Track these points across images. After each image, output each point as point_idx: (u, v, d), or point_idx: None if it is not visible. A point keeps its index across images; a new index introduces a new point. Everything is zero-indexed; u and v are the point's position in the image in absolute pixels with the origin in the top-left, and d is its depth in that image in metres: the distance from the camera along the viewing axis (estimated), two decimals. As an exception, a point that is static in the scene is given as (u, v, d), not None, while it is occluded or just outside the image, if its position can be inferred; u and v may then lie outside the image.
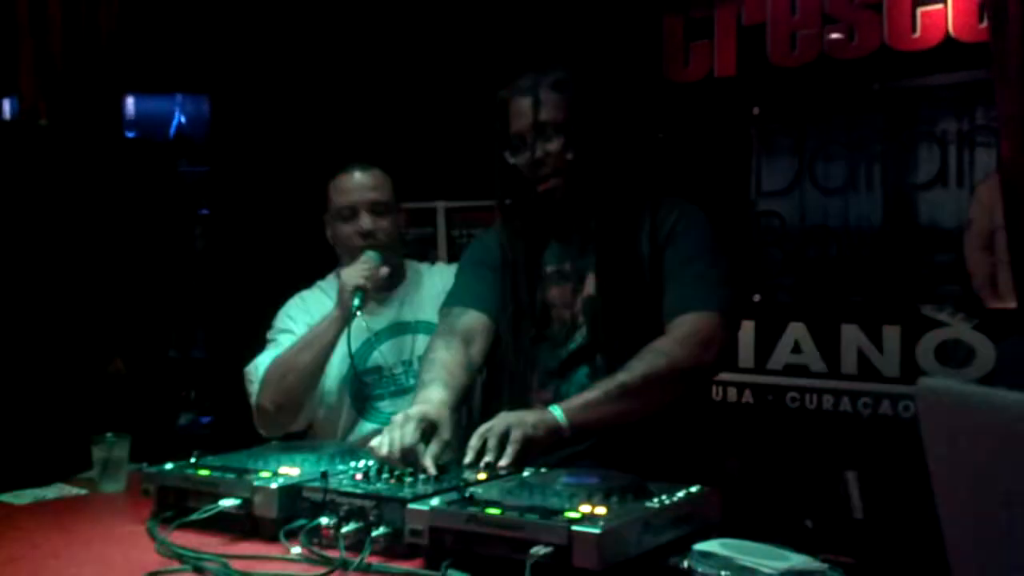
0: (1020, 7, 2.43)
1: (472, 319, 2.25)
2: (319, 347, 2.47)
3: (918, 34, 3.06)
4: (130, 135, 4.44)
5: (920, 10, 3.05)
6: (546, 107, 2.14)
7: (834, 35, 3.20)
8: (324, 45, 4.13)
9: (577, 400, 1.99)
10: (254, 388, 2.52)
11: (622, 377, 1.99)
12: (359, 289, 2.46)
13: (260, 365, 2.52)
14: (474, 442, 1.90)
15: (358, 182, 2.61)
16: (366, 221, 2.57)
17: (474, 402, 2.50)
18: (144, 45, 4.09)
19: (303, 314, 2.61)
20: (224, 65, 4.38)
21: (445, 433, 1.95)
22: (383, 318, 2.63)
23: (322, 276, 2.74)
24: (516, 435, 1.88)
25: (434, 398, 2.03)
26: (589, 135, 2.14)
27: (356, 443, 2.41)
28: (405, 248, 2.77)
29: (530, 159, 2.15)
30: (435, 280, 2.66)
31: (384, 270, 2.53)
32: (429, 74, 3.90)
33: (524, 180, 2.19)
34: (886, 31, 3.11)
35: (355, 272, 2.49)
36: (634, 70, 3.46)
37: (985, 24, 2.86)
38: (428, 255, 3.10)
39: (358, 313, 2.46)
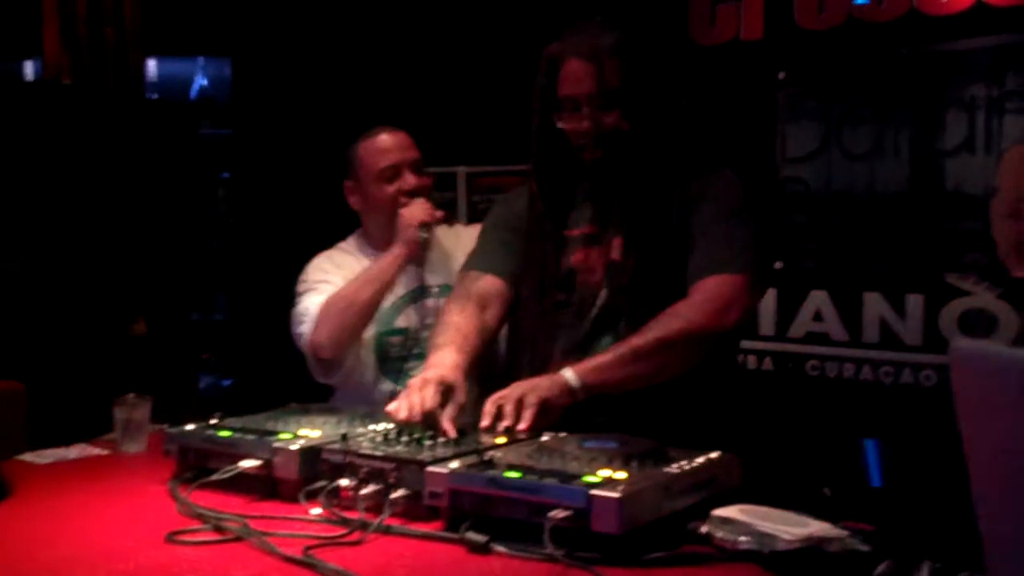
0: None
1: (488, 284, 2.23)
2: (380, 283, 2.48)
3: (948, -3, 3.01)
4: (152, 97, 4.44)
5: (950, -27, 3.00)
6: (608, 74, 2.05)
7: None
8: (345, 7, 4.11)
9: (589, 363, 1.98)
10: (305, 328, 2.51)
11: (635, 340, 1.97)
12: (424, 223, 2.49)
13: (311, 306, 2.52)
14: (489, 407, 1.90)
15: (397, 142, 2.60)
16: (411, 179, 2.57)
17: (489, 369, 2.51)
18: (166, 7, 4.08)
19: (335, 268, 2.61)
20: (246, 28, 4.37)
21: (461, 396, 1.95)
22: (408, 281, 2.62)
23: (343, 239, 2.74)
24: (531, 399, 1.88)
25: (448, 361, 2.02)
26: (644, 104, 2.08)
27: (378, 400, 2.41)
28: None
29: (587, 128, 2.07)
30: (460, 244, 2.60)
31: (440, 213, 2.56)
32: (451, 37, 3.88)
33: (565, 143, 2.14)
34: (915, -6, 3.06)
35: (417, 209, 2.51)
36: (661, 32, 3.42)
37: (1017, -13, 2.81)
38: (449, 221, 3.08)
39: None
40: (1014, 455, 0.91)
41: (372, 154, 2.60)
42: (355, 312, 2.47)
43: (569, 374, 1.94)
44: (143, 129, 3.60)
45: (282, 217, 4.28)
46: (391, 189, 2.57)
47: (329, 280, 2.56)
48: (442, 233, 2.71)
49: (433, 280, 2.63)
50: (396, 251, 2.49)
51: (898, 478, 2.96)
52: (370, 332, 2.56)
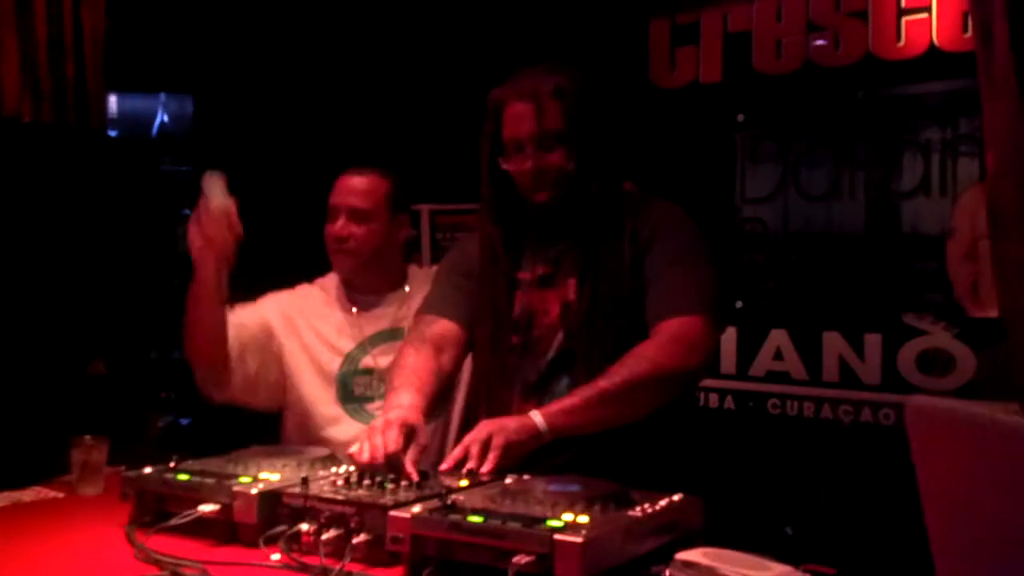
0: (1006, 17, 2.44)
1: (444, 328, 2.22)
2: (199, 298, 2.41)
3: (903, 43, 3.07)
4: (112, 134, 4.41)
5: (905, 19, 3.06)
6: (549, 115, 2.06)
7: (819, 42, 3.21)
8: (308, 45, 4.11)
9: (557, 405, 1.98)
10: None
11: (603, 383, 1.97)
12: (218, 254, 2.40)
13: None
14: (457, 452, 1.89)
15: (347, 184, 2.58)
16: (340, 226, 2.55)
17: (452, 413, 2.50)
18: (128, 43, 4.06)
19: (283, 298, 2.62)
20: (208, 64, 4.36)
21: (423, 438, 1.94)
22: (379, 321, 2.60)
23: (307, 278, 2.73)
24: (497, 441, 1.88)
25: (407, 402, 2.01)
26: (588, 145, 2.09)
27: (338, 443, 2.39)
28: (404, 254, 2.71)
29: (530, 168, 2.09)
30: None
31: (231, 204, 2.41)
32: (414, 77, 3.89)
33: (512, 185, 2.15)
34: (871, 40, 3.12)
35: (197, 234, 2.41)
36: (620, 75, 3.46)
37: (969, 34, 2.87)
38: (412, 259, 3.08)
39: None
40: (972, 509, 0.92)
41: (333, 188, 2.60)
42: (192, 331, 2.42)
43: (537, 417, 1.93)
44: (103, 166, 3.57)
45: (242, 254, 4.25)
46: (327, 230, 2.57)
47: (256, 306, 2.56)
48: (421, 276, 2.69)
49: (404, 324, 2.59)
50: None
51: (857, 518, 2.97)
52: (334, 371, 2.55)
